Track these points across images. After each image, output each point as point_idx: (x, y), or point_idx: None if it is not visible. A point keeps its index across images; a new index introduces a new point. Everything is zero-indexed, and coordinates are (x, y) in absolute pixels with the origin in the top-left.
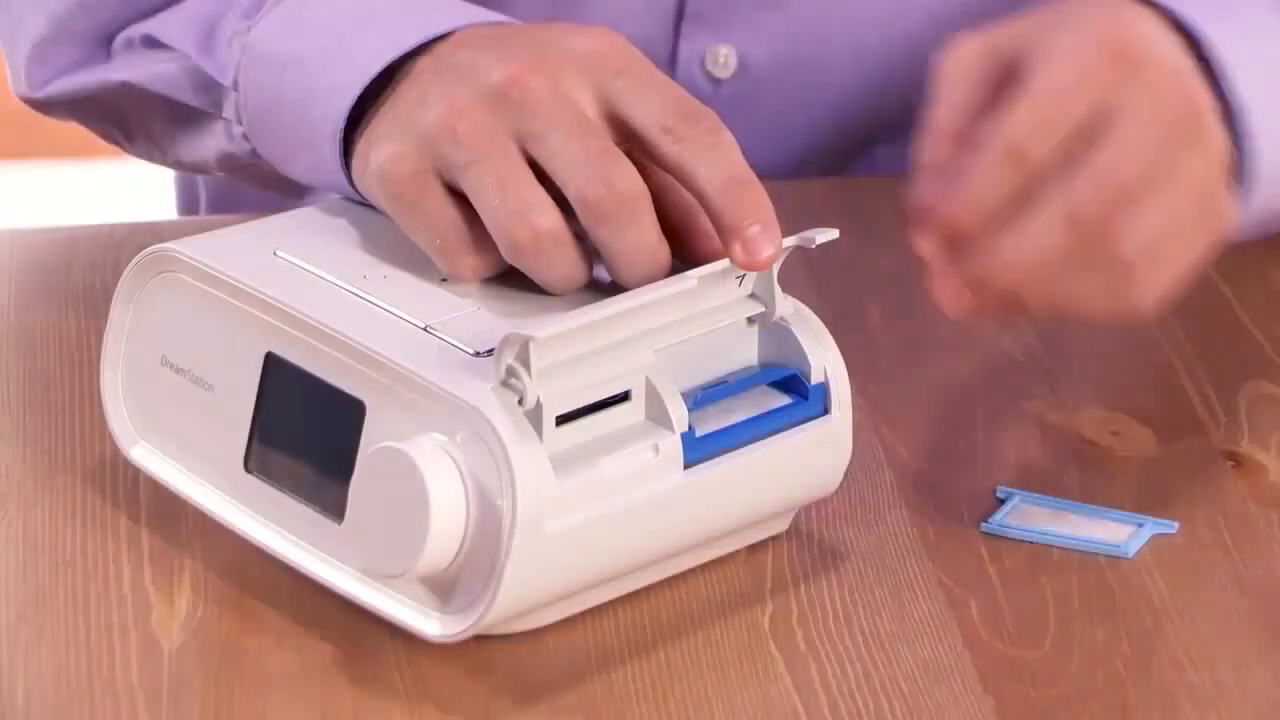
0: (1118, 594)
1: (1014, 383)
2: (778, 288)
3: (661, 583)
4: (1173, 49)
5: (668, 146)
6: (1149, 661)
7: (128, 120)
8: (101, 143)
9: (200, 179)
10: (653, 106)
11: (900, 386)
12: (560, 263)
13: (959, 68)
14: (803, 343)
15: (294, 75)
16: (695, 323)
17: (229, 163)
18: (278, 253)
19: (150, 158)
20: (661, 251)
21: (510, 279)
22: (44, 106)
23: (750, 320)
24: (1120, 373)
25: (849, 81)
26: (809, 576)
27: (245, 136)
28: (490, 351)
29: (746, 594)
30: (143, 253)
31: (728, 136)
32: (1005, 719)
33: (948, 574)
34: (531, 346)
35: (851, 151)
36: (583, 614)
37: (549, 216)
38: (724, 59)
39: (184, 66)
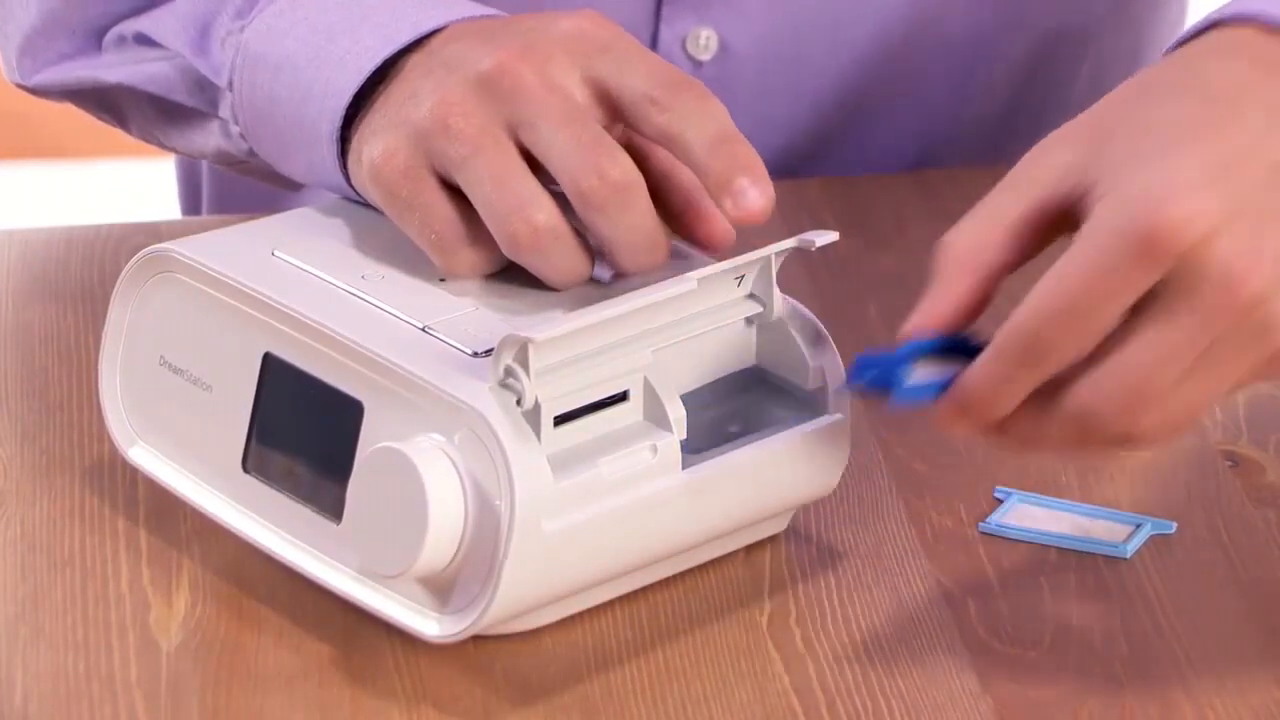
0: (1116, 594)
1: None
2: (776, 288)
3: (660, 583)
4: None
5: (655, 117)
6: (1147, 661)
7: (123, 112)
8: (101, 143)
9: (203, 175)
10: (639, 79)
11: None
12: (560, 257)
13: (963, 261)
14: (801, 343)
15: (288, 75)
16: (693, 323)
17: (225, 159)
18: (276, 253)
19: (148, 142)
20: (660, 237)
21: (508, 279)
22: (37, 93)
23: (748, 320)
24: None
25: (826, 61)
26: (807, 576)
27: (242, 136)
28: (488, 352)
29: (745, 594)
30: (141, 253)
31: (715, 102)
32: (1003, 719)
33: (946, 574)
34: (530, 348)
35: (832, 131)
36: (581, 614)
37: (546, 211)
38: (705, 41)
39: (178, 66)
